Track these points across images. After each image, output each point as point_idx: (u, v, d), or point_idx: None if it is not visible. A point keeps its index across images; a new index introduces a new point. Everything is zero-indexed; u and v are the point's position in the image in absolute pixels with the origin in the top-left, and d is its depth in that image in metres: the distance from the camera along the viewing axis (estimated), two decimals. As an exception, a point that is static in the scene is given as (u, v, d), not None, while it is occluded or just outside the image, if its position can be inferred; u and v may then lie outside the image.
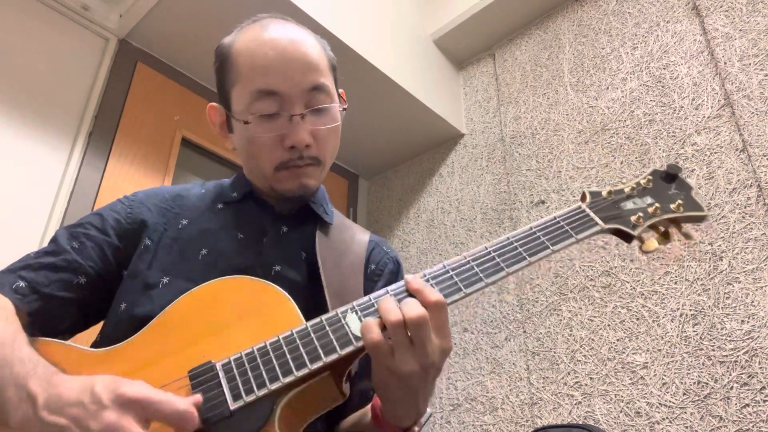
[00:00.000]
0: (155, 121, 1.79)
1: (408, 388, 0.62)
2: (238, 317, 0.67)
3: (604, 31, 1.90)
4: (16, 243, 1.40)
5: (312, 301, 0.66)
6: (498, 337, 1.74)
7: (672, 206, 0.77)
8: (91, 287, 0.77)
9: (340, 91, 0.90)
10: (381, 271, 0.90)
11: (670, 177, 0.82)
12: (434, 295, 0.61)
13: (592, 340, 1.54)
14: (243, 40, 0.85)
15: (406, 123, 2.20)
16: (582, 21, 1.98)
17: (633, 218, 0.75)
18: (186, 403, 0.54)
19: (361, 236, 0.93)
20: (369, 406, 0.74)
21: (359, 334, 0.61)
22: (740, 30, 1.57)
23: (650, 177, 0.82)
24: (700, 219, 0.78)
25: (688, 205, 0.78)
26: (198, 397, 0.57)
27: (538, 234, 0.70)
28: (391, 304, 0.61)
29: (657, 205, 0.77)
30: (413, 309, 0.59)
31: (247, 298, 0.69)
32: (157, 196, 0.88)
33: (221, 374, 0.60)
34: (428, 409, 0.69)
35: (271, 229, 0.86)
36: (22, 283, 0.73)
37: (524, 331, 1.69)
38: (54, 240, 0.80)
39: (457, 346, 1.83)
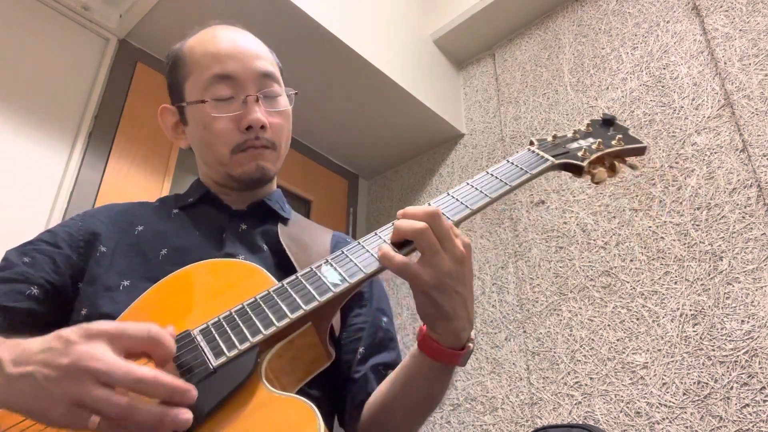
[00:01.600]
0: (155, 121, 1.78)
1: (454, 292, 0.63)
2: (212, 293, 0.68)
3: (604, 31, 1.90)
4: (15, 243, 1.39)
5: None
6: (498, 337, 1.74)
7: (613, 142, 0.86)
8: (45, 298, 0.76)
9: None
10: None
11: (607, 122, 0.92)
12: (422, 209, 0.64)
13: (592, 340, 1.54)
14: (194, 39, 0.90)
15: (406, 123, 2.19)
16: (582, 21, 1.98)
17: (580, 153, 0.83)
18: (156, 327, 0.53)
19: (322, 232, 0.95)
20: (414, 348, 0.71)
21: (337, 282, 0.63)
22: (740, 30, 1.57)
23: (589, 123, 0.91)
24: (640, 151, 0.88)
25: (627, 140, 0.88)
26: (171, 328, 0.56)
27: (494, 175, 0.77)
28: (404, 219, 0.63)
29: (600, 140, 0.86)
30: (421, 214, 0.62)
31: (218, 277, 0.70)
32: (109, 210, 0.90)
33: (199, 338, 0.59)
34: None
35: (229, 226, 0.86)
36: None
37: (524, 331, 1.69)
38: (4, 258, 0.79)
39: (457, 346, 1.83)
